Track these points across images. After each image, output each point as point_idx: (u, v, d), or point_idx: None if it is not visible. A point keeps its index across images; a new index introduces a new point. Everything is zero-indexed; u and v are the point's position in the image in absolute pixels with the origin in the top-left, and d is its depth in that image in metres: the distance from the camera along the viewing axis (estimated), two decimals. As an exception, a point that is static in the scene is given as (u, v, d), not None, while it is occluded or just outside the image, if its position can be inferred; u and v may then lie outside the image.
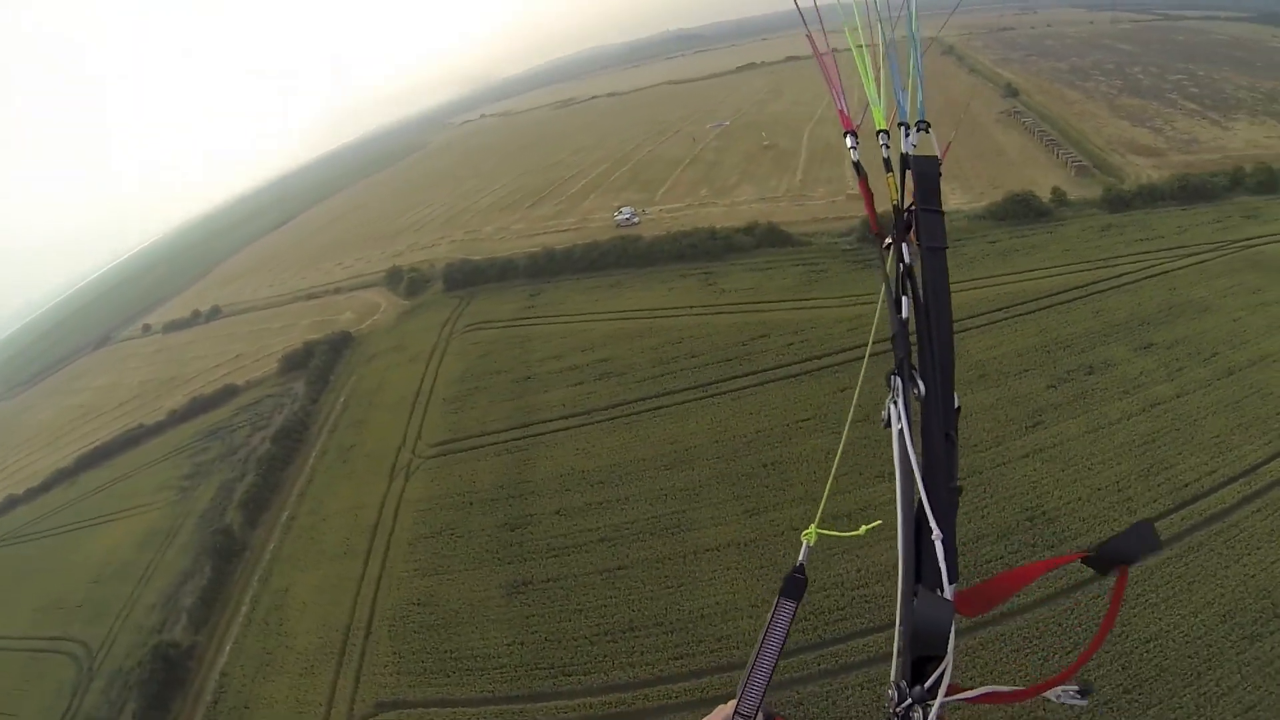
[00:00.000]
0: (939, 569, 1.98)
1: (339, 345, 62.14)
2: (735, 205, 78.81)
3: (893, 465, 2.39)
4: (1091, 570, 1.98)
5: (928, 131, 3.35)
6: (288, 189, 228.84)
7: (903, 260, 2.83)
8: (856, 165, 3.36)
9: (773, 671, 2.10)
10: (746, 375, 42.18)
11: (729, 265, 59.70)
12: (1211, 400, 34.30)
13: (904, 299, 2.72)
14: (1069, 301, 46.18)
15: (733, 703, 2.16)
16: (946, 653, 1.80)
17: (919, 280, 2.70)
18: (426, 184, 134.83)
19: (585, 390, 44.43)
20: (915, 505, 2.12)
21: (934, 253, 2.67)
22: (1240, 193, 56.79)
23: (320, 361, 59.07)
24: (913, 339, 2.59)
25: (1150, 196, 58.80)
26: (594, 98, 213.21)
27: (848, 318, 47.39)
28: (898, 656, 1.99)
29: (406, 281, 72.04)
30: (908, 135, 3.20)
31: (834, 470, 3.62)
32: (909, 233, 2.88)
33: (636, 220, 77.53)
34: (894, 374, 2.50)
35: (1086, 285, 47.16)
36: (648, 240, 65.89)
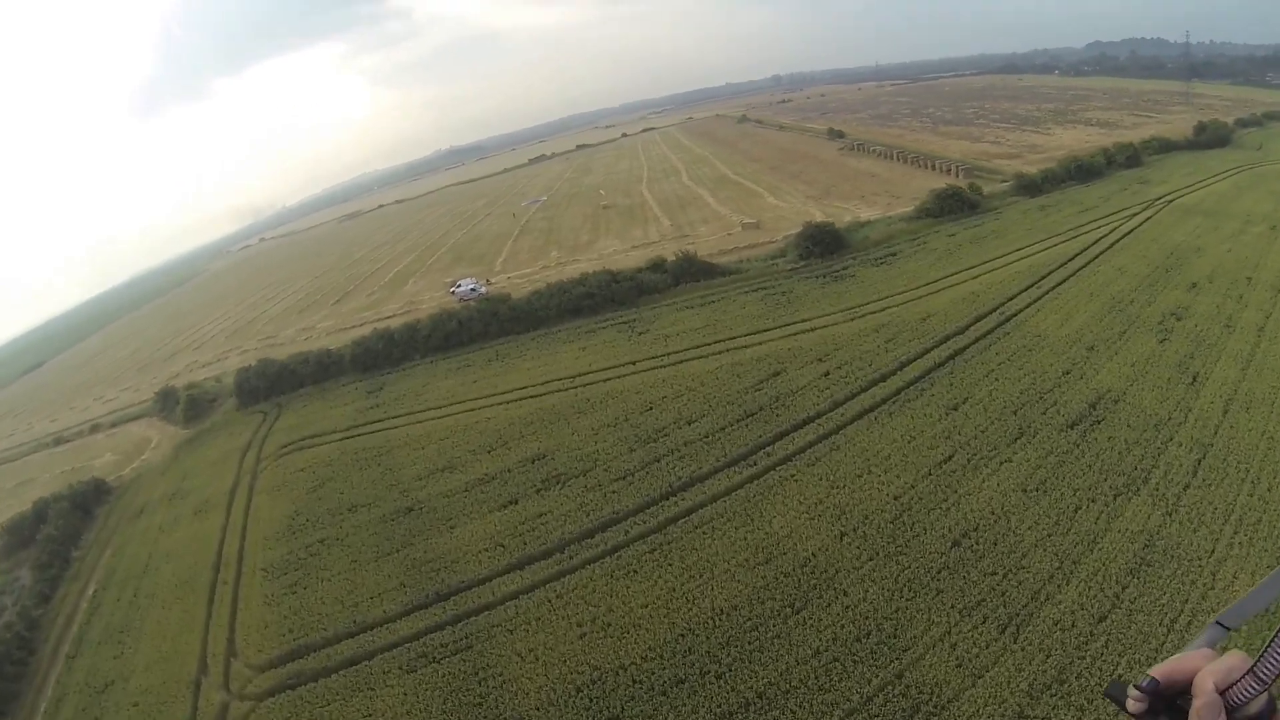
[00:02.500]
0: None
1: (86, 501, 45.35)
2: (607, 256, 71.05)
3: None
4: None
5: None
6: (35, 339, 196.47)
7: None
8: None
9: None
10: (800, 427, 30.46)
11: (649, 310, 49.68)
12: (1292, 306, 34.35)
13: None
14: (1085, 266, 45.67)
15: (1231, 655, 1.81)
16: None
17: None
18: (205, 305, 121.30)
19: (526, 513, 27.62)
20: None
21: None
22: (1115, 169, 70.95)
23: (56, 529, 41.80)
24: None
25: (1054, 179, 67.90)
26: (381, 206, 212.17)
27: (872, 328, 39.70)
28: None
29: (184, 402, 56.58)
30: None
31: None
32: None
33: (483, 290, 66.26)
34: None
35: (1085, 252, 48.25)
36: (522, 299, 53.18)
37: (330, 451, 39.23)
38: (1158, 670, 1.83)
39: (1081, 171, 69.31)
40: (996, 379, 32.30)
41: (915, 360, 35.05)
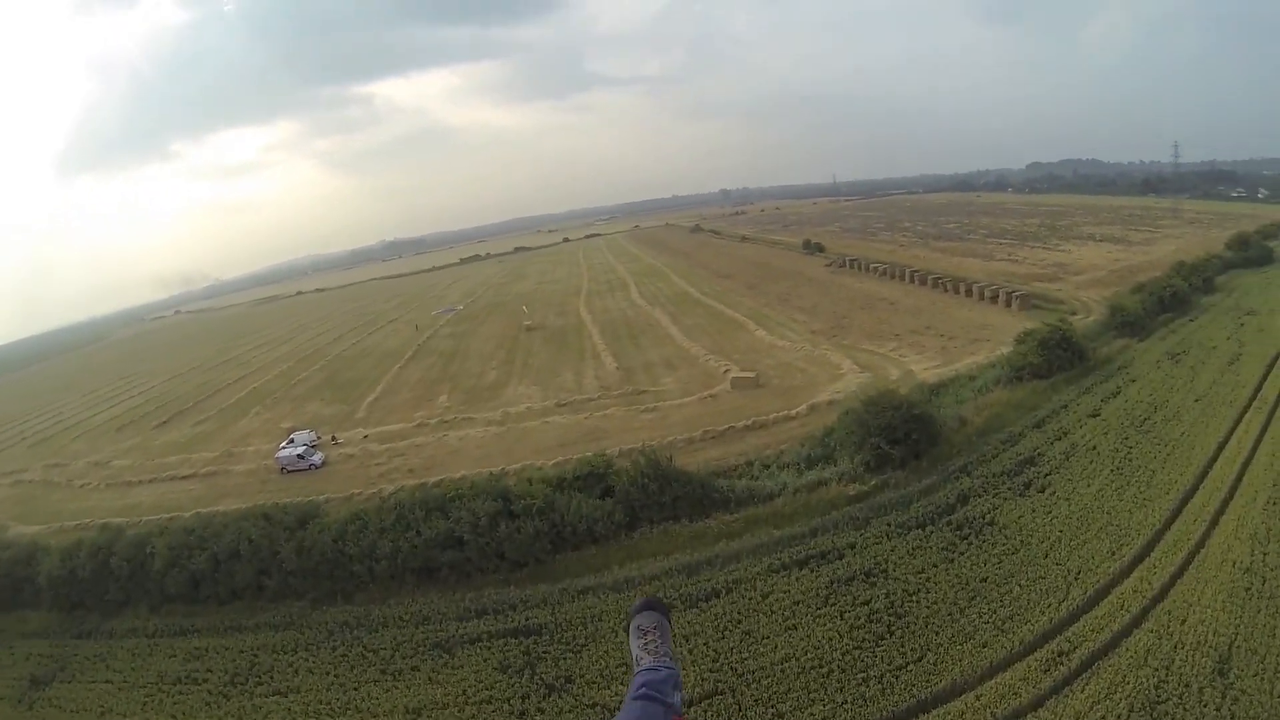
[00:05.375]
0: None
1: None
2: (515, 418, 46.02)
3: None
4: None
5: None
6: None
7: None
8: None
9: None
10: None
11: (576, 600, 23.76)
12: None
13: None
14: None
15: None
16: None
17: None
18: (55, 389, 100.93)
19: None
20: None
21: None
22: (1196, 295, 56.49)
23: None
24: None
25: (1150, 312, 50.52)
26: (299, 293, 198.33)
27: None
28: None
29: None
30: None
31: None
32: None
33: (318, 459, 42.40)
34: None
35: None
36: (336, 523, 26.87)
37: None
38: None
39: (1175, 300, 53.39)
40: None
41: None
